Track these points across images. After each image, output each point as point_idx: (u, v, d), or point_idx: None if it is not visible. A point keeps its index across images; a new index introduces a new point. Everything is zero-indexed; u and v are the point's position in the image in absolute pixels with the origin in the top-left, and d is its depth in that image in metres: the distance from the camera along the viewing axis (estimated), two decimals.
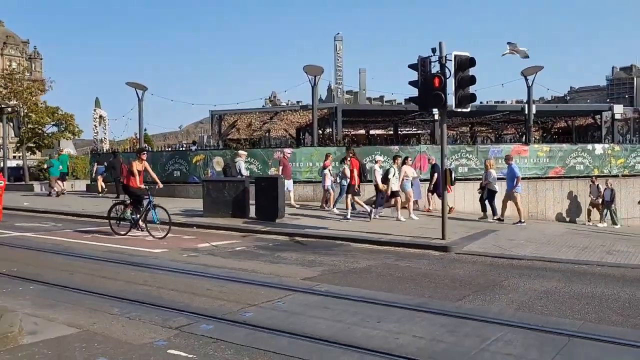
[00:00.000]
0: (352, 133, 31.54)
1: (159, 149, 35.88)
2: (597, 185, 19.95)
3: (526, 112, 22.71)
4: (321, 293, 6.89)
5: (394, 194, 14.65)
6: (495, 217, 15.47)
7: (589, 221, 19.67)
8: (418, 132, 35.22)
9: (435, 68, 11.33)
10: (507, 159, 16.06)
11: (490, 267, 9.00)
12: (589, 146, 22.60)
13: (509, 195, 15.35)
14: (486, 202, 15.85)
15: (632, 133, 31.53)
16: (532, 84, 22.03)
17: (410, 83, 11.64)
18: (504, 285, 7.54)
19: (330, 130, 25.96)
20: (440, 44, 11.32)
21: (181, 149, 34.99)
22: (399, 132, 31.65)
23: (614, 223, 19.08)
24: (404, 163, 15.77)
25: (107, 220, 12.30)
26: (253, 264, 8.85)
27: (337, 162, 18.25)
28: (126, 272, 8.03)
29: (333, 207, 16.27)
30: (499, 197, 15.80)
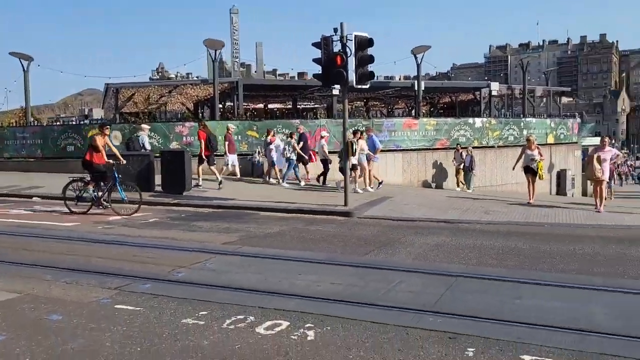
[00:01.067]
0: (252, 107, 31.85)
1: (49, 123, 33.76)
2: (461, 152, 21.43)
3: (416, 88, 24.40)
4: (243, 254, 7.53)
5: (354, 167, 15.07)
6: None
7: (458, 186, 20.92)
8: (315, 106, 36.29)
9: (337, 47, 12.14)
10: (367, 130, 17.03)
11: (389, 228, 10.12)
12: (470, 120, 24.87)
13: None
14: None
15: (506, 108, 34.87)
16: (421, 62, 23.72)
17: (314, 60, 12.35)
18: (402, 241, 8.63)
19: (231, 104, 26.13)
20: (341, 24, 12.10)
21: (72, 122, 33.19)
22: (298, 106, 32.47)
23: (468, 188, 20.49)
24: (359, 137, 16.20)
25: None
26: (171, 233, 9.24)
27: (239, 136, 18.80)
28: (48, 245, 8.11)
29: (283, 182, 16.77)
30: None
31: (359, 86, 12.41)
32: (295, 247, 8.18)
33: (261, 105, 34.02)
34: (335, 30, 12.14)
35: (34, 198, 14.11)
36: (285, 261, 7.11)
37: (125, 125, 19.90)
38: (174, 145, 19.26)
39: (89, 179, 11.81)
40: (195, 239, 8.68)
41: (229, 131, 17.40)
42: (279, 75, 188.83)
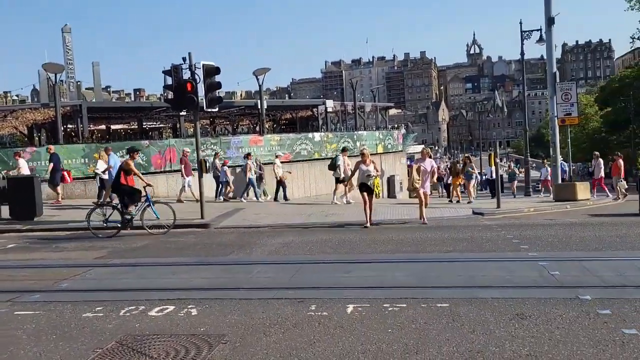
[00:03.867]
0: (93, 128, 31.08)
1: None
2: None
3: (259, 107, 26.22)
4: (117, 265, 8.45)
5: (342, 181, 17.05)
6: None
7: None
8: (161, 125, 36.43)
9: (186, 74, 13.33)
10: (106, 150, 17.19)
11: (245, 234, 11.56)
12: (310, 134, 27.40)
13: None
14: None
15: (340, 123, 38.33)
16: (262, 83, 25.62)
17: (166, 87, 13.45)
18: (257, 243, 10.13)
19: (73, 126, 25.60)
20: (189, 54, 13.32)
21: None
22: (144, 127, 32.46)
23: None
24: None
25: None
26: (37, 254, 9.68)
27: (86, 159, 18.91)
28: None
29: (241, 198, 18.98)
30: None
31: (209, 109, 13.73)
32: (163, 255, 9.26)
33: (103, 127, 33.33)
34: (184, 59, 13.34)
35: None
36: (157, 266, 8.21)
37: None
38: (14, 172, 18.62)
39: (116, 202, 11.93)
40: (65, 257, 9.30)
41: (185, 155, 18.51)
42: (114, 92, 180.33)
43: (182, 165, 18.42)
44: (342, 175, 17.26)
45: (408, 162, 37.17)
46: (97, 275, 7.70)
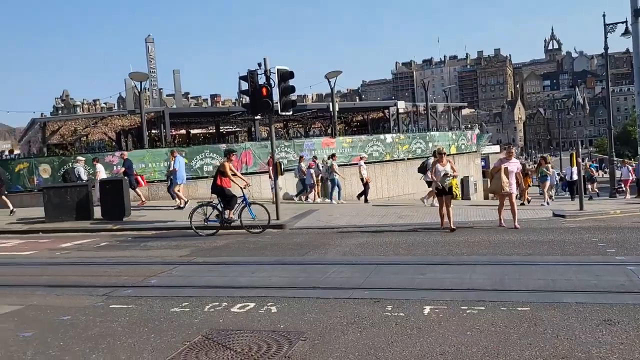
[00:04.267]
0: (174, 133, 32.62)
1: None
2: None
3: (331, 109, 26.47)
4: (200, 263, 8.87)
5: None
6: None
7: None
8: (237, 129, 37.61)
9: (261, 79, 13.74)
10: (172, 152, 17.85)
11: (319, 235, 11.75)
12: (381, 136, 27.33)
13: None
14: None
15: (412, 123, 37.96)
16: (334, 86, 25.85)
17: (243, 92, 13.93)
18: (331, 243, 10.29)
19: (156, 131, 26.98)
20: (264, 59, 13.74)
21: None
22: (221, 131, 33.66)
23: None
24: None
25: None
26: (128, 252, 10.33)
27: (167, 162, 19.87)
28: (20, 270, 8.97)
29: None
30: None
31: (284, 113, 14.07)
32: (243, 254, 9.61)
33: (183, 131, 34.86)
34: (260, 64, 13.75)
35: None
36: (238, 265, 8.54)
37: (54, 158, 20.29)
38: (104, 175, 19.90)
39: (216, 202, 12.34)
40: (152, 255, 9.87)
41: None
42: (192, 97, 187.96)
43: (270, 167, 18.85)
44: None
45: (482, 163, 36.20)
46: (183, 273, 8.12)
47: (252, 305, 5.95)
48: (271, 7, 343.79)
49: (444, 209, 11.49)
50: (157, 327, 5.36)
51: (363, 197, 19.94)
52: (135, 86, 21.25)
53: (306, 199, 19.92)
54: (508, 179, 11.53)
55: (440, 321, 5.07)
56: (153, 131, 27.66)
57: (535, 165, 19.61)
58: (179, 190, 17.23)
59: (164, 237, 12.41)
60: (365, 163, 20.53)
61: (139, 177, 18.65)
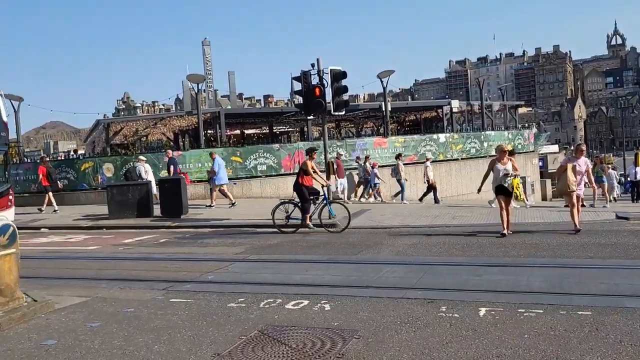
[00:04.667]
0: (229, 133, 33.32)
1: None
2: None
3: (383, 109, 26.36)
4: (255, 260, 9.06)
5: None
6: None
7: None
8: (289, 129, 38.05)
9: (314, 80, 13.89)
10: (211, 155, 18.03)
11: (372, 234, 11.75)
12: (435, 136, 26.98)
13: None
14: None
15: (466, 123, 37.24)
16: (386, 85, 25.74)
17: (296, 92, 14.13)
18: (384, 243, 10.27)
19: (212, 132, 27.68)
20: (318, 60, 13.90)
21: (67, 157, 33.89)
22: (274, 131, 34.15)
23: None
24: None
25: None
26: (186, 249, 10.67)
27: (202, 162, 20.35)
28: (85, 264, 9.45)
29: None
30: None
31: (336, 113, 14.15)
32: (296, 252, 9.74)
33: (238, 132, 35.56)
34: (313, 65, 13.91)
35: (42, 230, 15.28)
36: (291, 263, 8.67)
37: (117, 158, 21.18)
38: (163, 173, 20.59)
39: (297, 200, 12.52)
40: (209, 252, 10.15)
41: (339, 157, 19.84)
42: (245, 98, 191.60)
43: (336, 167, 19.21)
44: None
45: (540, 164, 35.06)
46: (238, 269, 8.33)
47: (306, 302, 6.04)
48: (325, 8, 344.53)
49: (503, 210, 10.67)
50: (215, 321, 5.53)
51: (432, 197, 20.03)
52: (192, 88, 21.86)
53: (369, 197, 20.07)
54: (575, 177, 10.74)
55: (497, 323, 5.00)
56: (209, 131, 28.36)
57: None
58: (220, 191, 17.59)
59: (219, 234, 12.73)
60: (417, 163, 20.43)
61: (183, 176, 19.13)
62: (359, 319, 5.35)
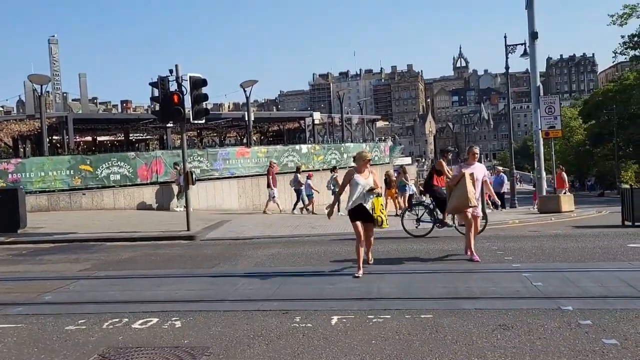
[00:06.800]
0: (79, 140, 30.91)
1: None
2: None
3: (246, 119, 26.26)
4: (101, 277, 8.38)
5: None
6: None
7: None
8: (148, 137, 36.32)
9: (173, 86, 13.33)
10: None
11: (231, 246, 11.53)
12: (297, 147, 27.48)
13: None
14: None
15: (328, 135, 38.49)
16: (249, 95, 25.68)
17: (153, 99, 13.45)
18: (243, 255, 10.11)
19: (58, 138, 25.44)
20: (176, 66, 13.35)
21: None
22: (130, 138, 32.36)
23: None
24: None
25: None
26: (21, 267, 9.57)
27: (71, 170, 18.78)
28: None
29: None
30: None
31: (196, 121, 13.73)
32: (149, 267, 9.20)
33: (89, 138, 33.14)
34: (171, 71, 13.34)
35: None
36: (143, 279, 8.16)
37: None
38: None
39: (428, 202, 11.77)
40: (48, 269, 9.22)
41: (272, 166, 19.72)
42: (100, 103, 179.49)
43: (270, 177, 18.88)
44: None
45: (395, 174, 37.23)
46: (81, 288, 7.64)
47: (155, 320, 5.69)
48: (189, 12, 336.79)
49: (361, 240, 7.67)
50: (48, 347, 4.98)
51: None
52: (36, 90, 19.90)
53: (306, 210, 20.13)
54: (475, 188, 8.64)
55: (347, 331, 5.10)
56: (55, 137, 26.06)
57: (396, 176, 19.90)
58: None
59: (63, 250, 11.65)
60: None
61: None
62: (210, 335, 5.14)
